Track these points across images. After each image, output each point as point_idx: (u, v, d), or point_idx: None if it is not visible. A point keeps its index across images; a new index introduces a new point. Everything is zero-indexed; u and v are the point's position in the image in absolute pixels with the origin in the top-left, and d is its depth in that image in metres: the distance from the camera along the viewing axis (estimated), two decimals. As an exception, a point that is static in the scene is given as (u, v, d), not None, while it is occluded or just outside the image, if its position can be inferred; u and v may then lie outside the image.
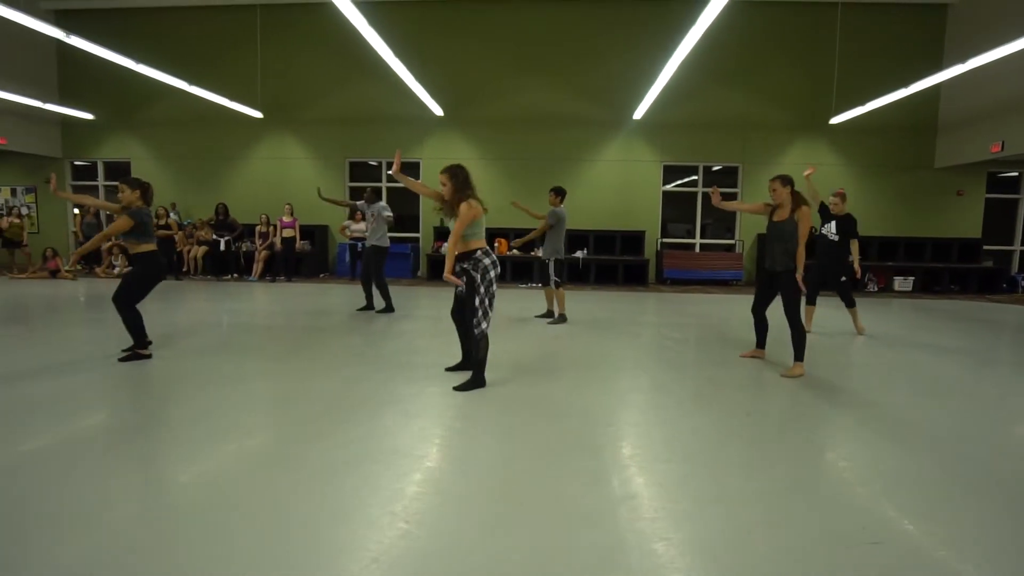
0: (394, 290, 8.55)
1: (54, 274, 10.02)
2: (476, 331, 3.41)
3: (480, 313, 3.40)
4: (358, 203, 6.91)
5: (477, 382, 3.47)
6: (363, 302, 6.75)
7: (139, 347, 4.08)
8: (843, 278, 5.77)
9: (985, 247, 11.15)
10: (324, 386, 3.55)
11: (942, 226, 11.23)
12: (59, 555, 1.67)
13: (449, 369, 3.87)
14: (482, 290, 3.40)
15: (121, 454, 2.47)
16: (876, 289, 10.78)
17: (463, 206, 3.40)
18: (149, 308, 4.53)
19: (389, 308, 6.53)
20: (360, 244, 10.48)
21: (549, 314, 6.34)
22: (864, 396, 3.60)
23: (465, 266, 3.47)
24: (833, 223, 5.69)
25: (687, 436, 2.82)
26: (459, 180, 3.50)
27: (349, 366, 4.10)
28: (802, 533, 1.88)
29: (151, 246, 4.15)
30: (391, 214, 6.57)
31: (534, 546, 1.77)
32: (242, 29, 11.33)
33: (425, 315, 6.60)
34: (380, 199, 6.67)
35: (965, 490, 2.25)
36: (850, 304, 5.90)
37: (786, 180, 4.17)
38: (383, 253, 6.56)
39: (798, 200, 4.11)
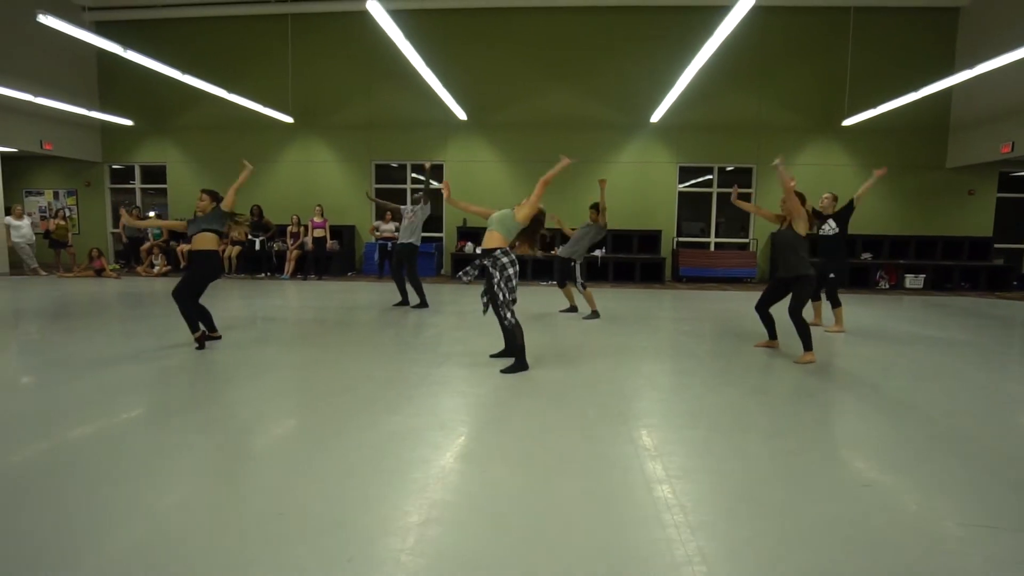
0: (428, 287, 8.98)
1: (99, 273, 10.60)
2: (505, 323, 3.84)
3: (502, 307, 3.82)
4: (402, 207, 7.29)
5: (520, 366, 3.88)
6: (397, 298, 7.18)
7: (198, 331, 4.53)
8: (831, 275, 5.88)
9: (996, 245, 11.36)
10: (384, 371, 3.98)
11: (953, 225, 11.46)
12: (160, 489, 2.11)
13: (493, 356, 4.29)
14: (502, 284, 3.80)
15: (212, 421, 2.92)
16: (887, 286, 11.04)
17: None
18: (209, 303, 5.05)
19: (423, 304, 6.96)
20: (389, 244, 10.96)
21: (572, 309, 6.73)
22: (867, 380, 3.96)
23: (485, 262, 3.88)
24: (831, 220, 5.97)
25: (710, 409, 3.21)
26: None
27: (401, 353, 4.54)
28: (809, 483, 2.27)
29: (214, 247, 4.62)
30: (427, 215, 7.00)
31: (585, 488, 2.18)
32: (273, 37, 11.85)
33: (455, 310, 7.02)
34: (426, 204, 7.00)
35: (945, 453, 2.62)
36: (836, 304, 5.97)
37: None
38: (415, 251, 6.97)
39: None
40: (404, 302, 7.09)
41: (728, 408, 3.25)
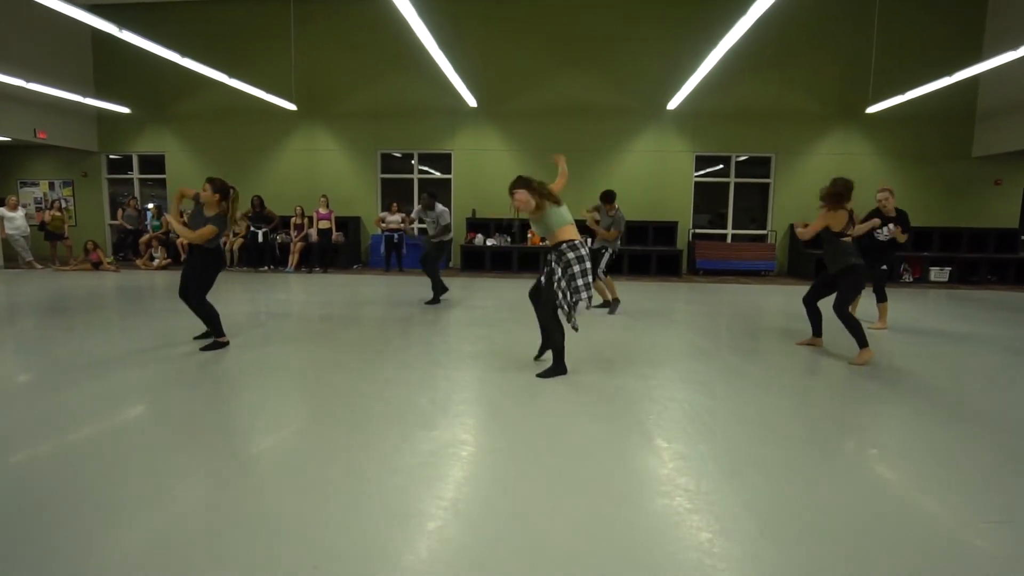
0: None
1: (96, 266, 10.23)
2: (542, 321, 3.51)
3: (560, 303, 3.46)
4: (412, 215, 7.14)
5: (558, 370, 3.54)
6: (412, 292, 6.85)
7: (218, 335, 4.20)
8: (883, 267, 5.65)
9: (1023, 237, 11.01)
10: (409, 374, 3.64)
11: (979, 216, 11.11)
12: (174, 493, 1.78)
13: (537, 358, 3.93)
14: (563, 283, 3.44)
15: (230, 418, 2.58)
16: (911, 279, 10.69)
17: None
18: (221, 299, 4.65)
19: (436, 300, 6.62)
20: (395, 235, 10.60)
21: (605, 304, 6.38)
22: (923, 382, 3.62)
23: (549, 257, 3.53)
24: (889, 225, 5.62)
25: (768, 413, 2.88)
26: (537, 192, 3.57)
27: (426, 354, 4.19)
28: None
29: (215, 244, 4.27)
30: (450, 221, 6.72)
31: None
32: (276, 22, 11.42)
33: (478, 304, 6.68)
34: (437, 203, 6.68)
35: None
36: (881, 298, 5.69)
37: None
38: (443, 249, 6.71)
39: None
40: (436, 299, 6.70)
41: (778, 410, 2.91)
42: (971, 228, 10.89)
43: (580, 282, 3.45)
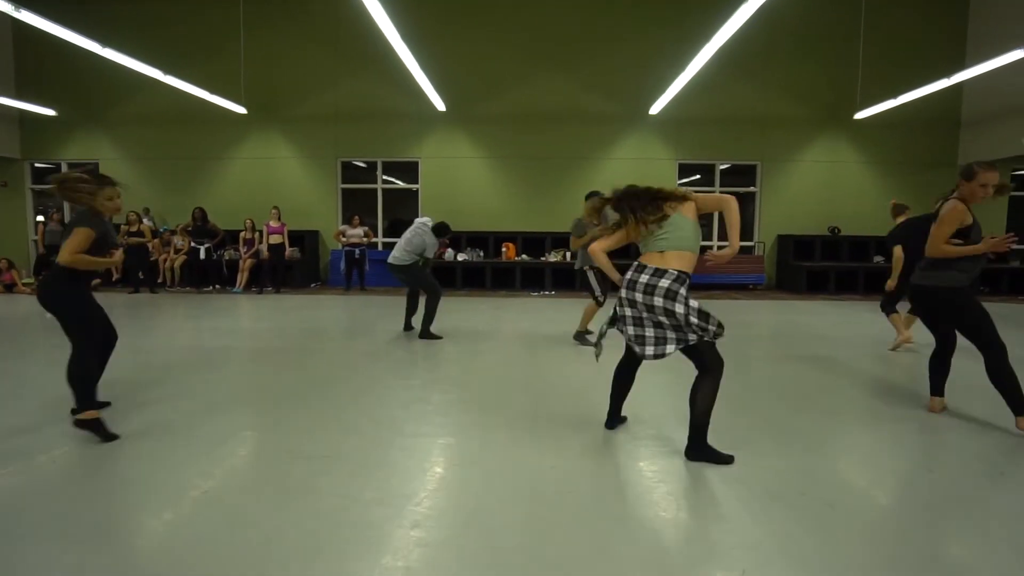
0: (399, 301, 7.81)
1: (10, 288, 8.97)
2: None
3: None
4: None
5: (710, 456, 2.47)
6: (374, 313, 5.91)
7: (85, 406, 2.70)
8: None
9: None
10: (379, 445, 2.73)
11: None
12: None
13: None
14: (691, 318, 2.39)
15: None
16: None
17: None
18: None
19: (409, 327, 5.69)
20: (356, 251, 9.64)
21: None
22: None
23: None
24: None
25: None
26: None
27: (408, 407, 3.28)
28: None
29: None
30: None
31: None
32: (224, 17, 10.38)
33: (461, 330, 5.75)
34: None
35: None
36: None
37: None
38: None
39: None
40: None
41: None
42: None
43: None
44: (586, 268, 5.14)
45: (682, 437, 2.54)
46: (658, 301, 2.37)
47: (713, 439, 2.49)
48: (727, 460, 2.41)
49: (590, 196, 4.93)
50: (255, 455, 2.56)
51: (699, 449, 2.44)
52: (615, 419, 2.86)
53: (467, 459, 2.50)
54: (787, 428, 2.94)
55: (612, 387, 2.81)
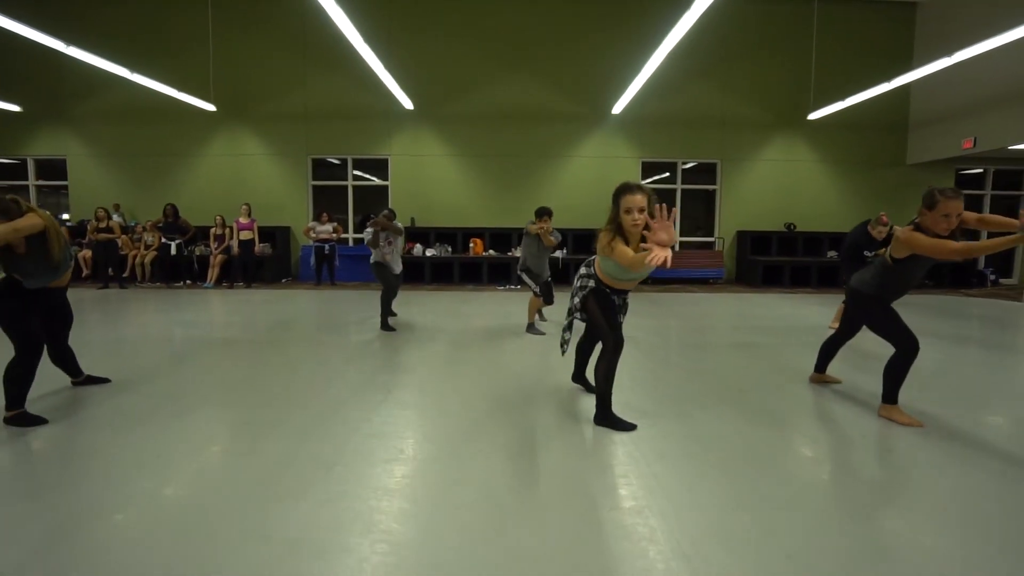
0: (370, 294, 8.06)
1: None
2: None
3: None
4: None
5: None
6: (344, 308, 6.10)
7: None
8: None
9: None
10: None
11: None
12: None
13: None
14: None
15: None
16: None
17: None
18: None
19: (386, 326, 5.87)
20: (326, 246, 9.82)
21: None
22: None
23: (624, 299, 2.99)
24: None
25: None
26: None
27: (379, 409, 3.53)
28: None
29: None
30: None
31: None
32: (192, 14, 10.46)
33: (429, 326, 6.02)
34: (393, 218, 5.75)
35: None
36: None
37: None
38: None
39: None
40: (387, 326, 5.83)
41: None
42: (908, 234, 11.06)
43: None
44: (519, 272, 5.50)
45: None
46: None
47: (626, 411, 2.81)
48: (629, 427, 2.72)
49: (542, 212, 5.26)
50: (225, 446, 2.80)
51: (603, 417, 2.76)
52: (580, 378, 3.43)
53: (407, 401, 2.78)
54: (690, 401, 3.26)
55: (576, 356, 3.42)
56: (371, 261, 5.68)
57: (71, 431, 2.73)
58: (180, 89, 9.19)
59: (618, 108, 10.28)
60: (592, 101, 10.85)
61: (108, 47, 9.41)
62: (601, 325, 2.80)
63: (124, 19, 10.66)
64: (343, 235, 10.67)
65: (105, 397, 3.26)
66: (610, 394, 2.78)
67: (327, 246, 9.79)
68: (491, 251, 10.71)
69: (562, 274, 10.54)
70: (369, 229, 5.60)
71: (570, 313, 3.03)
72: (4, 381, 2.77)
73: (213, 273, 9.65)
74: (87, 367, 3.56)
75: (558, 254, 10.54)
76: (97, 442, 2.59)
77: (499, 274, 10.53)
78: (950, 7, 10.31)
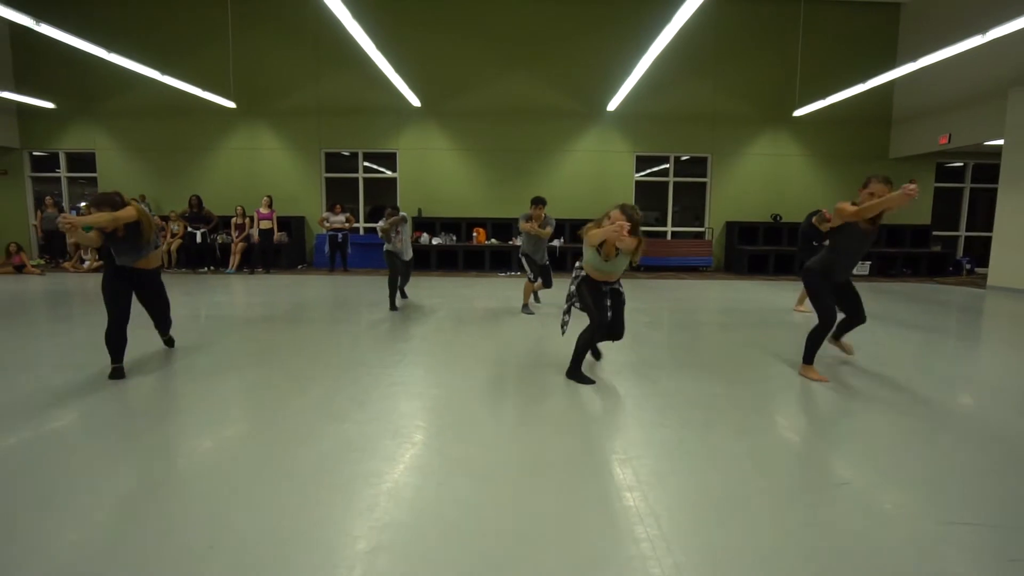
0: (380, 280, 8.69)
1: (20, 269, 9.74)
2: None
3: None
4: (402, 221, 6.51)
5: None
6: (376, 296, 6.79)
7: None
8: None
9: (934, 233, 11.89)
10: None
11: (896, 214, 11.87)
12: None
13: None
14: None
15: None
16: (836, 273, 11.36)
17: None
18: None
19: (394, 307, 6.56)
20: (339, 235, 10.52)
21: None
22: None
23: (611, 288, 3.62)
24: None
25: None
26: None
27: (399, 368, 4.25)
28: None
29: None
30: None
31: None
32: (214, 16, 11.11)
33: (431, 305, 6.72)
34: (398, 212, 6.46)
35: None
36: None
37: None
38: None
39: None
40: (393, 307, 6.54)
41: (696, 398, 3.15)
42: (889, 225, 11.66)
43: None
44: (520, 255, 6.18)
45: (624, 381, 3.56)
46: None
47: (598, 373, 3.52)
48: (589, 382, 3.43)
49: (536, 201, 5.93)
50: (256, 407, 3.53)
51: (572, 373, 3.48)
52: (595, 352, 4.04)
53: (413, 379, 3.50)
54: (660, 368, 3.96)
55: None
56: (384, 249, 6.39)
57: (164, 381, 3.47)
58: (203, 87, 9.87)
59: (613, 105, 10.89)
60: (589, 98, 11.45)
61: (136, 48, 10.09)
62: (589, 306, 3.48)
63: (149, 21, 11.30)
64: (355, 224, 11.37)
65: (178, 358, 4.00)
66: (582, 358, 3.48)
67: (340, 235, 10.50)
68: (493, 240, 11.39)
69: (559, 261, 11.24)
70: (382, 223, 6.35)
71: (569, 299, 3.68)
72: (105, 342, 3.49)
73: (235, 260, 10.39)
74: (145, 338, 4.28)
75: (556, 243, 11.21)
76: (183, 389, 3.32)
77: (500, 261, 11.22)
78: (933, 7, 10.80)
